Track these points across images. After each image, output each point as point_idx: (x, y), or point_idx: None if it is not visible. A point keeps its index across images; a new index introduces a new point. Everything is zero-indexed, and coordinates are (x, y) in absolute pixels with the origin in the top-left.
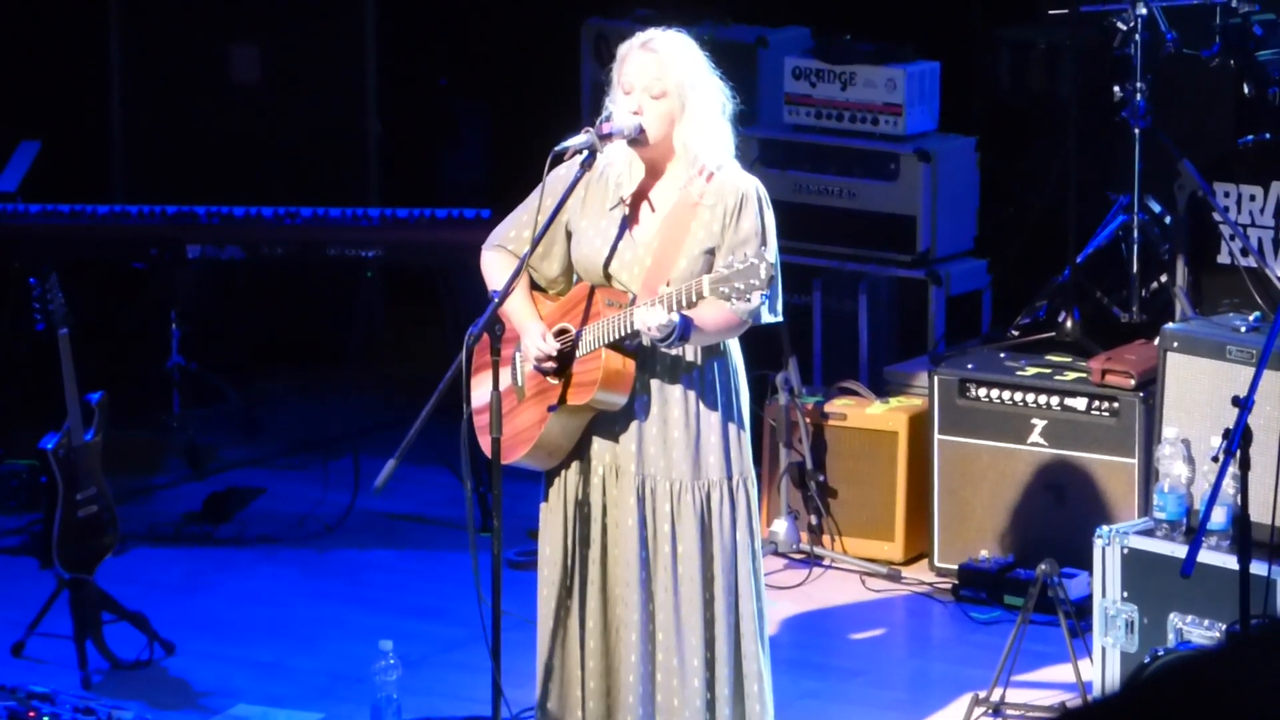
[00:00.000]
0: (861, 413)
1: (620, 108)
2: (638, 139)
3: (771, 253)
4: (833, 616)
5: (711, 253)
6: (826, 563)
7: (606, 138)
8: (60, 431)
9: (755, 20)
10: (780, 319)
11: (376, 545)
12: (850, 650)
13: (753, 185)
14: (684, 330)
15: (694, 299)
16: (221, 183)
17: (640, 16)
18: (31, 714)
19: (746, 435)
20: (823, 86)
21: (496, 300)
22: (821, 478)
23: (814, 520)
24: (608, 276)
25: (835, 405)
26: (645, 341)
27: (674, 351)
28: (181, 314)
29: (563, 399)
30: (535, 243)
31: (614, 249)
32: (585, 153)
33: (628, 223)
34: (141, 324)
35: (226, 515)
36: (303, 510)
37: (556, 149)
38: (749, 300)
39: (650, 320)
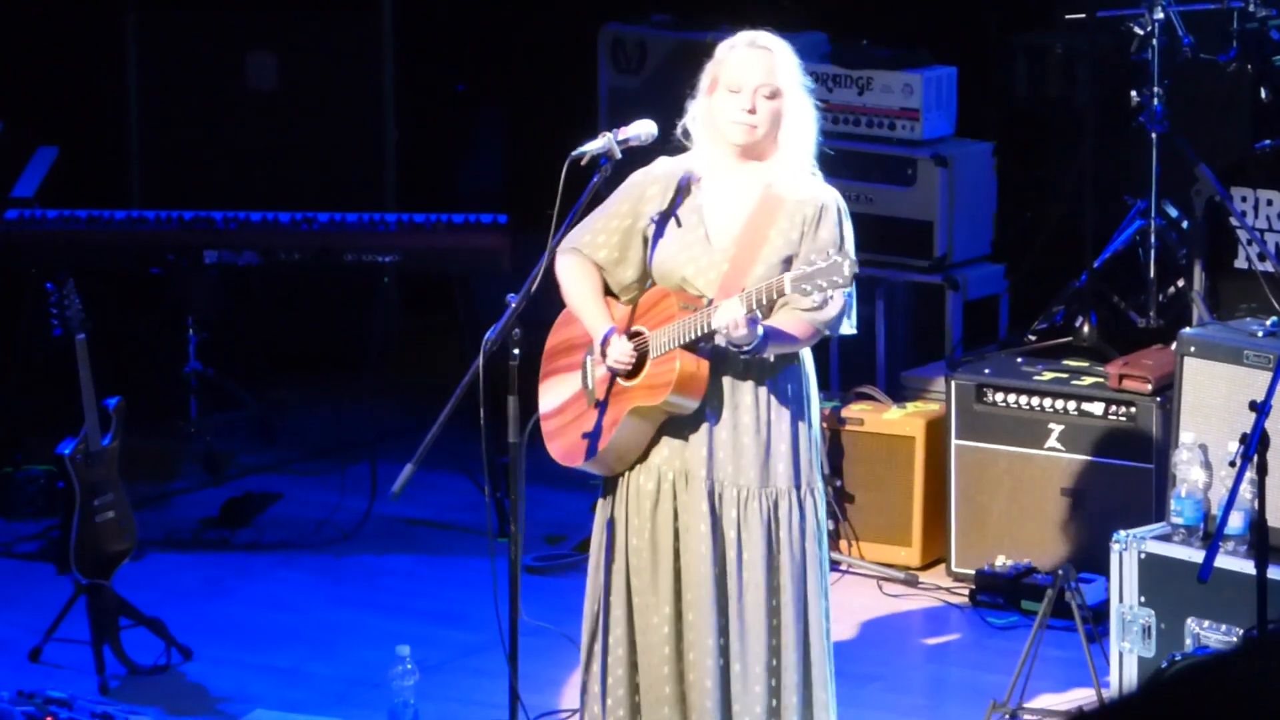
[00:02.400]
0: (879, 418)
1: (726, 108)
2: (745, 139)
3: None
4: (850, 622)
5: (788, 261)
6: (844, 568)
7: (624, 142)
8: (78, 437)
9: (772, 25)
10: (855, 332)
11: (394, 550)
12: (867, 656)
13: (833, 196)
14: (764, 341)
15: (774, 296)
16: (238, 188)
17: (657, 22)
18: (49, 719)
19: (817, 445)
20: (840, 91)
21: (514, 304)
22: (839, 483)
23: (831, 525)
24: (683, 281)
25: (852, 410)
26: (721, 343)
27: (747, 358)
28: (198, 320)
29: (636, 400)
30: (554, 245)
31: (691, 254)
32: (602, 158)
33: (706, 228)
34: (158, 330)
35: (244, 521)
36: (320, 516)
37: (574, 154)
38: (830, 298)
39: (730, 316)
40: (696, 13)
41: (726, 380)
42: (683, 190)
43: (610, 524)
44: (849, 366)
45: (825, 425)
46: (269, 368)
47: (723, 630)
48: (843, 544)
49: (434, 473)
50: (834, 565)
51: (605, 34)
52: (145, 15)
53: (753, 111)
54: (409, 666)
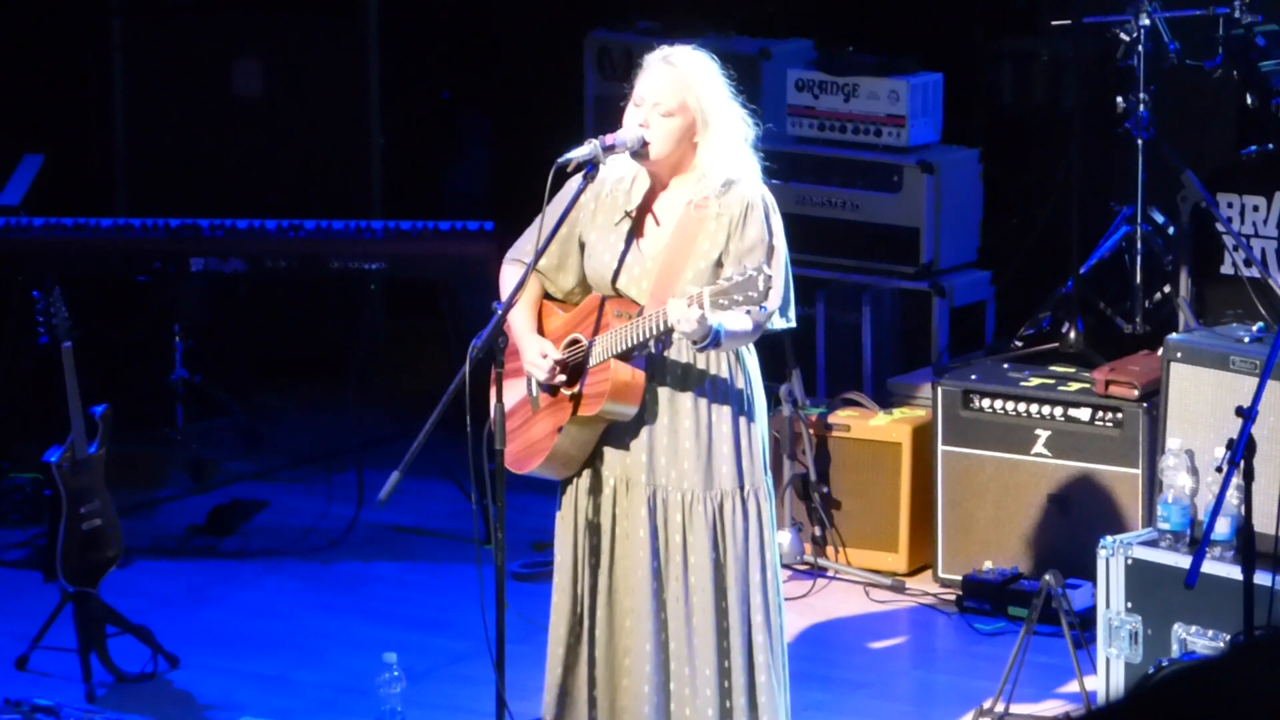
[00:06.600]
0: (865, 424)
1: (629, 119)
2: (640, 153)
3: (781, 259)
4: (837, 628)
5: (719, 263)
6: (830, 574)
7: (610, 149)
8: (64, 445)
9: (758, 32)
10: (793, 325)
11: (380, 558)
12: (855, 662)
13: (758, 193)
14: (717, 336)
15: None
16: (224, 196)
17: (644, 29)
18: None
19: (760, 445)
20: (826, 98)
21: (500, 313)
22: (825, 489)
23: (818, 532)
24: (616, 290)
25: (839, 417)
26: (683, 358)
27: (700, 360)
28: (185, 327)
29: (575, 410)
30: (537, 257)
31: (622, 263)
32: (588, 165)
33: (634, 236)
34: (145, 337)
35: (230, 528)
36: (306, 523)
37: (559, 161)
38: (750, 311)
39: (681, 314)
40: (682, 21)
41: (665, 386)
42: (614, 199)
43: (561, 530)
44: (836, 373)
45: (812, 432)
46: (255, 375)
47: (664, 636)
48: (829, 550)
49: (420, 480)
50: (821, 572)
51: (591, 42)
52: (131, 22)
53: (645, 125)
54: (396, 674)
